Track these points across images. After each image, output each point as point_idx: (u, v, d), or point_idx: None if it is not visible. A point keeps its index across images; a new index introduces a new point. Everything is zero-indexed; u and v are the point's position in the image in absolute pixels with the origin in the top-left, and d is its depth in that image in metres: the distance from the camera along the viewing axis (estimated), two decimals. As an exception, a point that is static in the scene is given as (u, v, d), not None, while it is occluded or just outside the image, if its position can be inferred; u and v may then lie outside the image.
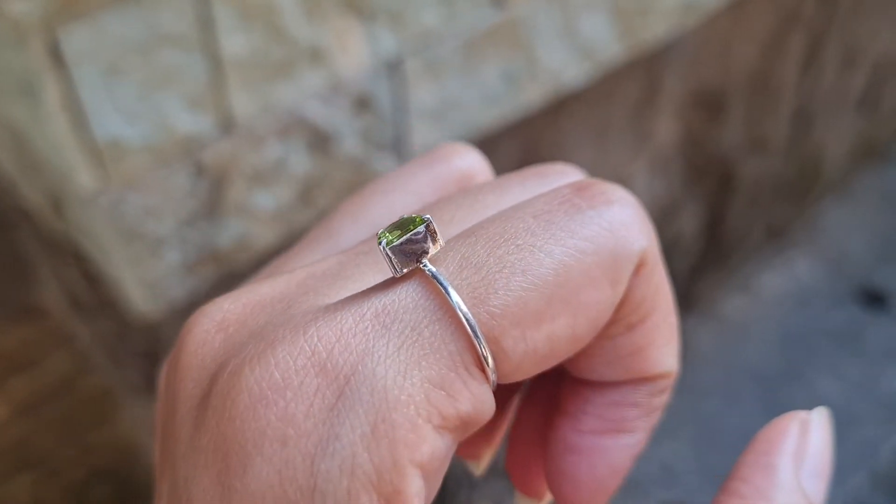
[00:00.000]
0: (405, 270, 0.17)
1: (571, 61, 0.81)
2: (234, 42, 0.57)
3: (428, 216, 0.17)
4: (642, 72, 0.97)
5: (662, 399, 0.20)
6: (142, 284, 0.63)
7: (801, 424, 0.18)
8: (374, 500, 0.15)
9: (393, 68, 0.68)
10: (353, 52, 0.64)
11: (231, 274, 0.69)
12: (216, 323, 0.18)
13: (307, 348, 0.16)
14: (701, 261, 1.38)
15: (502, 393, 0.22)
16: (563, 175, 0.20)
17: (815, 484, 0.18)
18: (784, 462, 0.18)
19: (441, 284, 0.16)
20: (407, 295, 0.16)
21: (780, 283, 1.49)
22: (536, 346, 0.16)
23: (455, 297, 0.16)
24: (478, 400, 0.16)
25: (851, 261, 1.52)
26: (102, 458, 0.93)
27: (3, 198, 0.76)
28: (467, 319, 0.16)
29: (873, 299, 1.45)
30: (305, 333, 0.16)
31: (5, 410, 0.87)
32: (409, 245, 0.17)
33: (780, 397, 1.32)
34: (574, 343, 0.17)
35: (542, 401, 0.22)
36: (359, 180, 0.71)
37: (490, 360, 0.16)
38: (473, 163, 0.22)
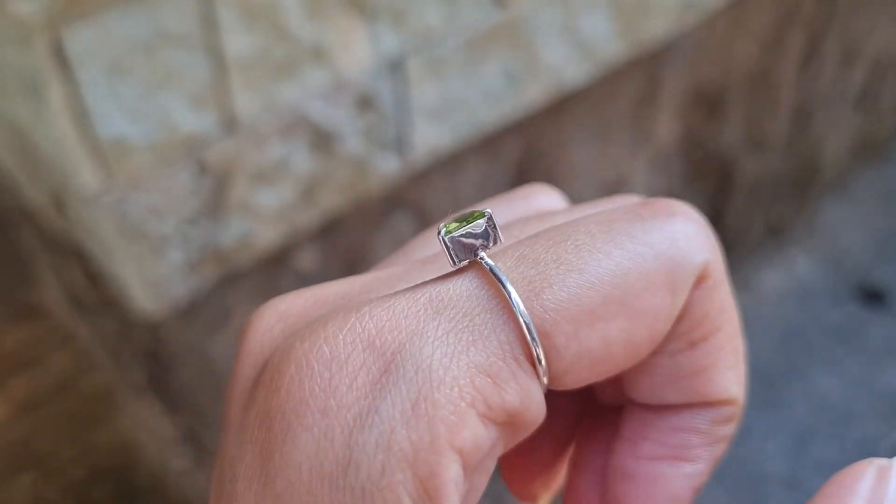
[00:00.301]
0: (463, 262, 0.17)
1: (572, 60, 0.81)
2: (237, 41, 0.57)
3: (488, 210, 0.17)
4: (643, 70, 0.97)
5: (727, 430, 0.19)
6: (144, 283, 0.63)
7: (879, 471, 0.16)
8: (408, 478, 0.14)
9: (395, 67, 0.68)
10: (356, 51, 0.64)
11: (234, 273, 0.69)
12: (278, 313, 0.18)
13: (357, 326, 0.16)
14: (700, 258, 1.38)
15: (560, 422, 0.22)
16: (632, 199, 0.20)
17: None
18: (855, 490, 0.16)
19: (496, 276, 0.16)
20: (462, 284, 0.16)
21: (779, 280, 1.49)
22: (590, 345, 0.16)
23: (510, 288, 0.16)
24: (526, 395, 0.16)
25: (851, 258, 1.52)
26: (103, 457, 0.94)
27: (4, 197, 0.76)
28: (520, 311, 0.16)
29: (872, 296, 1.45)
30: (358, 313, 0.16)
31: (6, 409, 0.87)
32: (468, 237, 0.17)
33: (780, 394, 1.33)
34: (631, 350, 0.17)
35: (603, 435, 0.21)
36: (361, 179, 0.71)
37: (541, 354, 0.16)
38: (553, 201, 0.21)
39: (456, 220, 0.17)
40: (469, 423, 0.15)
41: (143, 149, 0.57)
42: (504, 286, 0.16)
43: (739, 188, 1.35)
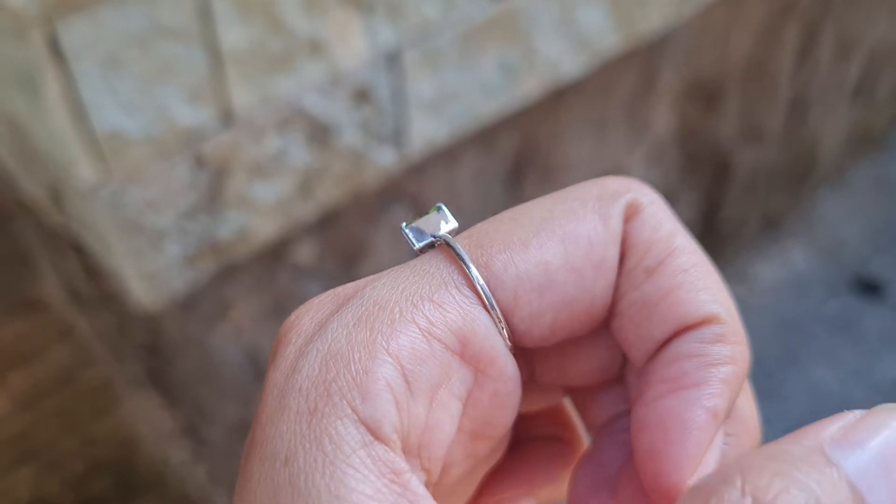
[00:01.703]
0: (421, 245, 0.19)
1: (569, 52, 0.81)
2: (234, 34, 0.57)
3: (440, 204, 0.20)
4: (639, 62, 0.97)
5: (724, 350, 0.18)
6: (142, 277, 0.63)
7: (855, 415, 0.15)
8: (341, 374, 0.16)
9: (392, 60, 0.68)
10: (352, 44, 0.64)
11: (231, 266, 0.69)
12: (305, 307, 0.19)
13: (336, 290, 0.19)
14: (697, 250, 1.39)
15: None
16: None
17: (846, 452, 0.15)
18: (817, 432, 0.15)
19: (441, 238, 0.19)
20: (421, 258, 0.19)
21: (776, 272, 1.49)
22: (528, 268, 0.18)
23: (451, 240, 0.18)
24: (469, 317, 0.17)
25: (847, 249, 1.52)
26: (102, 450, 0.94)
27: (3, 191, 0.76)
28: (455, 250, 0.18)
29: (869, 287, 1.46)
30: (341, 285, 0.19)
31: (5, 403, 0.87)
32: (424, 224, 0.19)
33: (777, 385, 1.33)
34: (575, 276, 0.18)
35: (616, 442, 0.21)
36: (358, 172, 0.71)
37: (480, 280, 0.18)
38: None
39: (416, 216, 0.20)
40: (406, 330, 0.17)
41: (139, 142, 0.57)
42: (447, 242, 0.18)
43: (736, 180, 1.35)
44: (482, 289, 0.17)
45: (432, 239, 0.19)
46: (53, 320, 0.87)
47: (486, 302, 0.18)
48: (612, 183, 0.19)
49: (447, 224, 0.19)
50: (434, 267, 0.18)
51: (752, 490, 0.14)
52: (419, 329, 0.17)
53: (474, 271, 0.18)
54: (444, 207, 0.20)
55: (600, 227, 0.18)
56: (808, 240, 1.54)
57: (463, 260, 0.18)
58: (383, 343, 0.16)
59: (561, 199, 0.19)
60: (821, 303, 1.44)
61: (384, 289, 0.17)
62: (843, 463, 0.14)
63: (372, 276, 0.19)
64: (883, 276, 1.47)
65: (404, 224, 0.20)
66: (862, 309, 1.43)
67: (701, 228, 1.35)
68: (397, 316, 0.17)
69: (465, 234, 0.19)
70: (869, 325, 1.41)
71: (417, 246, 0.19)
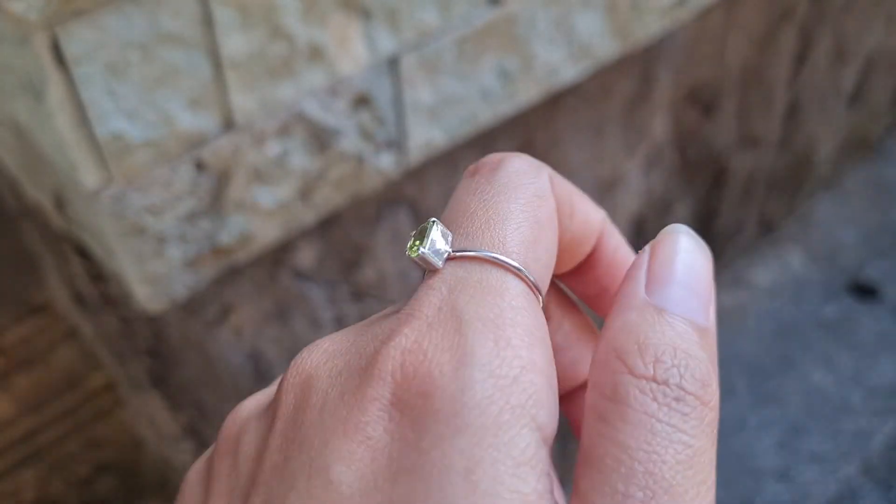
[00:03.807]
0: (442, 264, 0.20)
1: (567, 58, 0.82)
2: (234, 41, 0.58)
3: (434, 219, 0.21)
4: (636, 68, 0.98)
5: (616, 230, 0.26)
6: (144, 281, 0.64)
7: (647, 252, 0.21)
8: (517, 392, 0.18)
9: (391, 66, 0.69)
10: (352, 50, 0.65)
11: (232, 270, 0.70)
12: (309, 349, 0.21)
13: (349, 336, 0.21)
14: (695, 254, 1.39)
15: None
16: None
17: (663, 294, 0.19)
18: (635, 289, 0.19)
19: (486, 255, 0.20)
20: (460, 269, 0.20)
21: (772, 276, 1.50)
22: (526, 237, 0.21)
23: (504, 259, 0.20)
24: (533, 299, 0.20)
25: (843, 254, 1.53)
26: (107, 452, 0.94)
27: (7, 194, 0.77)
28: (494, 258, 0.20)
29: (865, 291, 1.46)
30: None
31: (11, 406, 0.88)
32: (433, 243, 0.20)
33: (774, 388, 1.34)
34: (552, 230, 0.22)
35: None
36: (358, 177, 0.72)
37: (522, 269, 0.20)
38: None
39: (415, 239, 0.20)
40: (525, 335, 0.19)
41: (141, 147, 0.58)
42: (500, 260, 0.20)
43: (733, 185, 1.36)
44: (525, 274, 0.20)
45: (449, 253, 0.20)
46: (58, 323, 0.88)
47: (529, 280, 0.20)
48: (518, 160, 0.22)
49: (448, 234, 0.21)
50: (483, 274, 0.19)
51: (631, 370, 0.18)
52: (532, 329, 0.19)
53: (513, 263, 0.20)
54: (437, 221, 0.21)
55: (549, 189, 0.22)
56: (804, 244, 1.55)
57: (503, 262, 0.20)
58: (524, 354, 0.18)
59: (495, 183, 0.22)
60: (817, 307, 1.45)
61: (483, 306, 0.19)
62: (667, 305, 0.19)
63: (402, 313, 0.20)
64: (879, 279, 1.48)
65: (423, 250, 0.20)
66: (858, 312, 1.44)
67: (698, 233, 1.36)
68: (511, 328, 0.18)
69: (458, 235, 0.21)
70: (866, 328, 1.41)
71: (441, 265, 0.20)
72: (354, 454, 0.17)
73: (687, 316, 0.18)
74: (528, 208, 0.21)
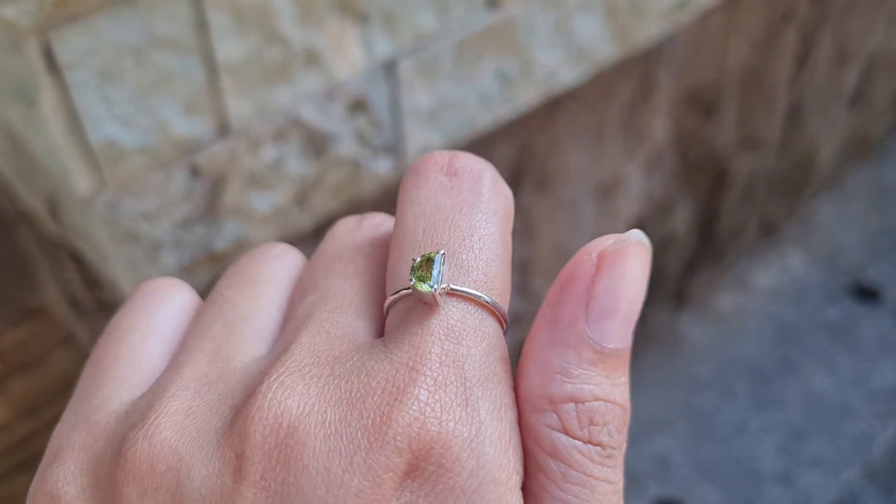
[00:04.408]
0: (442, 301, 0.19)
1: (566, 61, 0.82)
2: (229, 46, 0.58)
3: (441, 251, 0.19)
4: (636, 70, 0.97)
5: None
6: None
7: (600, 260, 0.19)
8: (505, 462, 0.18)
9: (388, 70, 0.68)
10: (348, 54, 0.65)
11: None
12: (280, 382, 0.20)
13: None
14: (695, 257, 1.39)
15: None
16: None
17: (603, 327, 0.18)
18: (571, 310, 0.18)
19: (483, 300, 0.19)
20: (462, 313, 0.19)
21: (773, 278, 1.50)
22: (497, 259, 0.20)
23: (497, 305, 0.19)
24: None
25: (844, 256, 1.52)
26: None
27: (3, 199, 0.77)
28: (503, 315, 0.19)
29: (866, 294, 1.46)
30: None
31: (6, 411, 0.88)
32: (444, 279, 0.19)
33: (775, 391, 1.33)
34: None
35: None
36: (355, 181, 0.72)
37: (498, 306, 0.19)
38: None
39: (420, 271, 0.19)
40: (508, 394, 0.20)
41: (135, 153, 0.57)
42: (462, 292, 0.19)
43: (734, 187, 1.35)
44: (507, 318, 0.19)
45: (447, 288, 0.19)
46: (54, 328, 0.87)
47: (507, 324, 0.19)
48: (493, 171, 0.22)
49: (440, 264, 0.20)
50: (477, 321, 0.19)
51: (567, 430, 0.18)
52: (512, 382, 0.19)
53: (503, 310, 0.19)
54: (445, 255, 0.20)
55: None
56: (805, 247, 1.54)
57: (496, 308, 0.19)
58: (511, 416, 0.18)
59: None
60: (819, 309, 1.44)
61: (481, 363, 0.18)
62: (605, 341, 0.18)
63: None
64: (880, 282, 1.47)
65: (435, 286, 0.19)
66: (860, 315, 1.43)
67: (699, 235, 1.35)
68: (501, 386, 0.18)
69: (452, 262, 0.20)
70: (867, 331, 1.41)
71: (442, 303, 0.19)
72: None
73: (620, 347, 0.18)
74: (508, 235, 0.20)
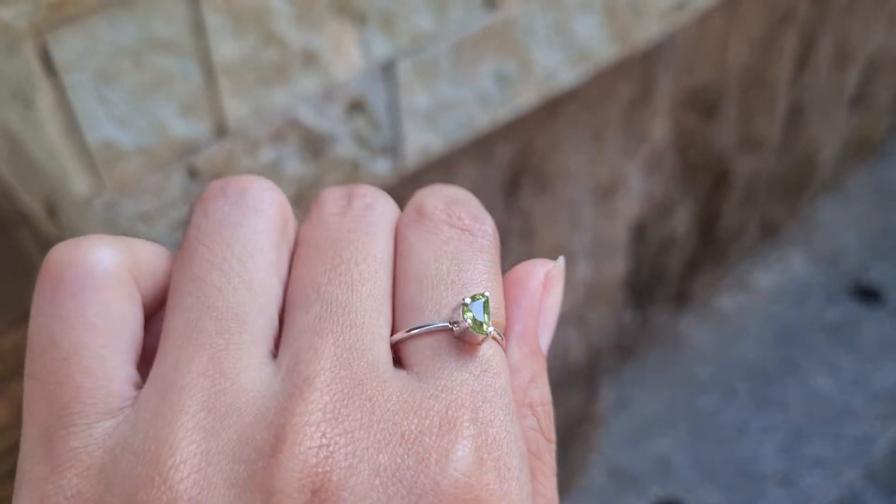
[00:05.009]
0: (494, 333, 0.20)
1: (565, 62, 0.82)
2: (227, 47, 0.58)
3: (486, 293, 0.20)
4: (636, 71, 0.97)
5: None
6: (137, 287, 0.63)
7: (544, 287, 0.21)
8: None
9: (386, 71, 0.68)
10: (346, 55, 0.65)
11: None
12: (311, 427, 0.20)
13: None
14: (696, 258, 1.39)
15: None
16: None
17: (545, 339, 0.21)
18: (532, 325, 0.21)
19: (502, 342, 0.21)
20: (489, 351, 0.20)
21: (775, 279, 1.49)
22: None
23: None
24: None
25: (846, 257, 1.52)
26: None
27: (2, 200, 0.77)
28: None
29: (867, 294, 1.45)
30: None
31: (6, 412, 0.88)
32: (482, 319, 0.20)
33: (776, 392, 1.33)
34: None
35: None
36: (353, 183, 0.72)
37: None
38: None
39: (474, 315, 0.19)
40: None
41: (132, 154, 0.57)
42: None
43: (735, 188, 1.35)
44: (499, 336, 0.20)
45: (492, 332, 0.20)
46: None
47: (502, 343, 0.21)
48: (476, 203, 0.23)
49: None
50: (501, 362, 0.20)
51: (544, 432, 0.20)
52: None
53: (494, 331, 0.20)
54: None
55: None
56: (807, 247, 1.54)
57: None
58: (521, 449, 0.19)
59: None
60: (820, 310, 1.44)
61: (502, 408, 0.19)
62: (544, 349, 0.21)
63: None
64: (882, 283, 1.47)
65: (491, 330, 0.20)
66: (861, 316, 1.43)
67: (700, 236, 1.35)
68: (515, 426, 0.19)
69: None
70: (868, 332, 1.40)
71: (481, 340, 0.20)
72: None
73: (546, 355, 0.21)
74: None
